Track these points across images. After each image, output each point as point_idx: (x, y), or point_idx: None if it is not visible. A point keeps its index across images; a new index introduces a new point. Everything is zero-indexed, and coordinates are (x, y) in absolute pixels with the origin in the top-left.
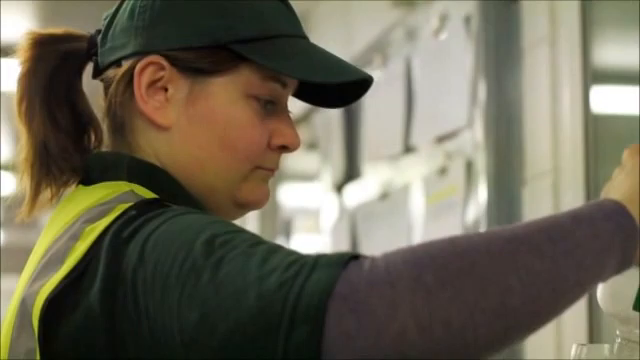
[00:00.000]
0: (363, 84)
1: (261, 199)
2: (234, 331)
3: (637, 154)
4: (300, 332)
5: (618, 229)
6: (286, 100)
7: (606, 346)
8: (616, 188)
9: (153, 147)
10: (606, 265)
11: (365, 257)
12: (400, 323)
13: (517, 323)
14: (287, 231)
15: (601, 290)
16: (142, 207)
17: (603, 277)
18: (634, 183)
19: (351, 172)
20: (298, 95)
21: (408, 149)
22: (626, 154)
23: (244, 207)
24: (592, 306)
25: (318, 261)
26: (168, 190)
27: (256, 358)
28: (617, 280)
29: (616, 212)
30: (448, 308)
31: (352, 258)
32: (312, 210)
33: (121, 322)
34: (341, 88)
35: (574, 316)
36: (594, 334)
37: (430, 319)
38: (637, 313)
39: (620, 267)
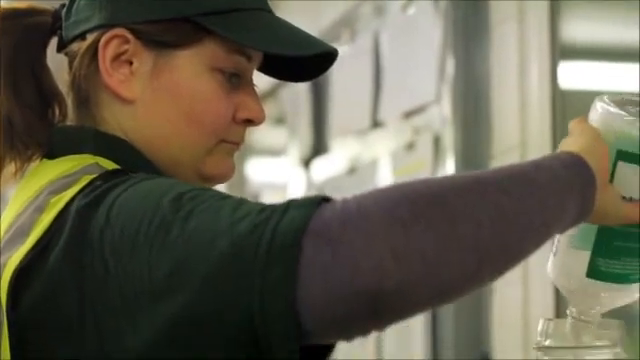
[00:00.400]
0: (328, 58)
1: (226, 173)
2: (207, 279)
3: (584, 122)
4: (275, 271)
5: (577, 176)
6: (251, 74)
7: (573, 321)
8: (568, 147)
9: (118, 120)
10: (567, 208)
11: (336, 199)
12: (377, 253)
13: (488, 258)
14: None
15: (552, 262)
16: (107, 177)
17: (565, 221)
18: (586, 141)
19: (319, 147)
20: (264, 70)
21: (376, 124)
22: (573, 123)
23: (209, 180)
24: None
25: (290, 204)
26: (133, 163)
27: (232, 303)
28: (567, 256)
29: (573, 163)
30: (423, 240)
31: (323, 200)
32: (279, 185)
33: (89, 286)
34: (306, 62)
35: (541, 292)
36: (561, 310)
37: (406, 250)
38: (587, 292)
39: (580, 214)
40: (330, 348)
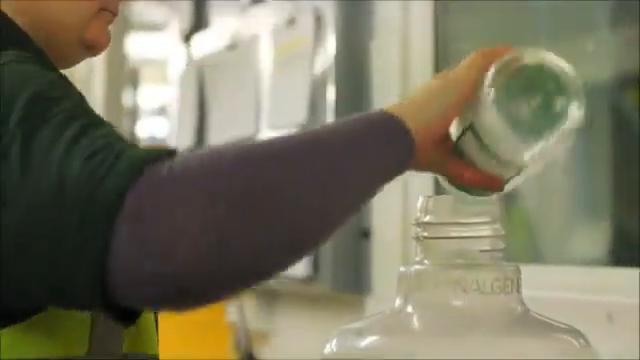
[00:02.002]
0: None
1: (105, 42)
2: (24, 223)
3: (481, 56)
4: (86, 243)
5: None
6: None
7: (452, 197)
8: (427, 84)
9: None
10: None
11: (164, 164)
12: (182, 245)
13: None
14: (134, 82)
15: None
16: None
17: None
18: (447, 83)
19: (199, 22)
20: None
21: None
22: (473, 55)
23: (90, 49)
24: None
25: (120, 155)
26: (5, 35)
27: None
28: None
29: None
30: (241, 229)
31: (153, 160)
32: (160, 60)
33: None
34: None
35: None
36: (440, 188)
37: (218, 234)
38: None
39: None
40: None
